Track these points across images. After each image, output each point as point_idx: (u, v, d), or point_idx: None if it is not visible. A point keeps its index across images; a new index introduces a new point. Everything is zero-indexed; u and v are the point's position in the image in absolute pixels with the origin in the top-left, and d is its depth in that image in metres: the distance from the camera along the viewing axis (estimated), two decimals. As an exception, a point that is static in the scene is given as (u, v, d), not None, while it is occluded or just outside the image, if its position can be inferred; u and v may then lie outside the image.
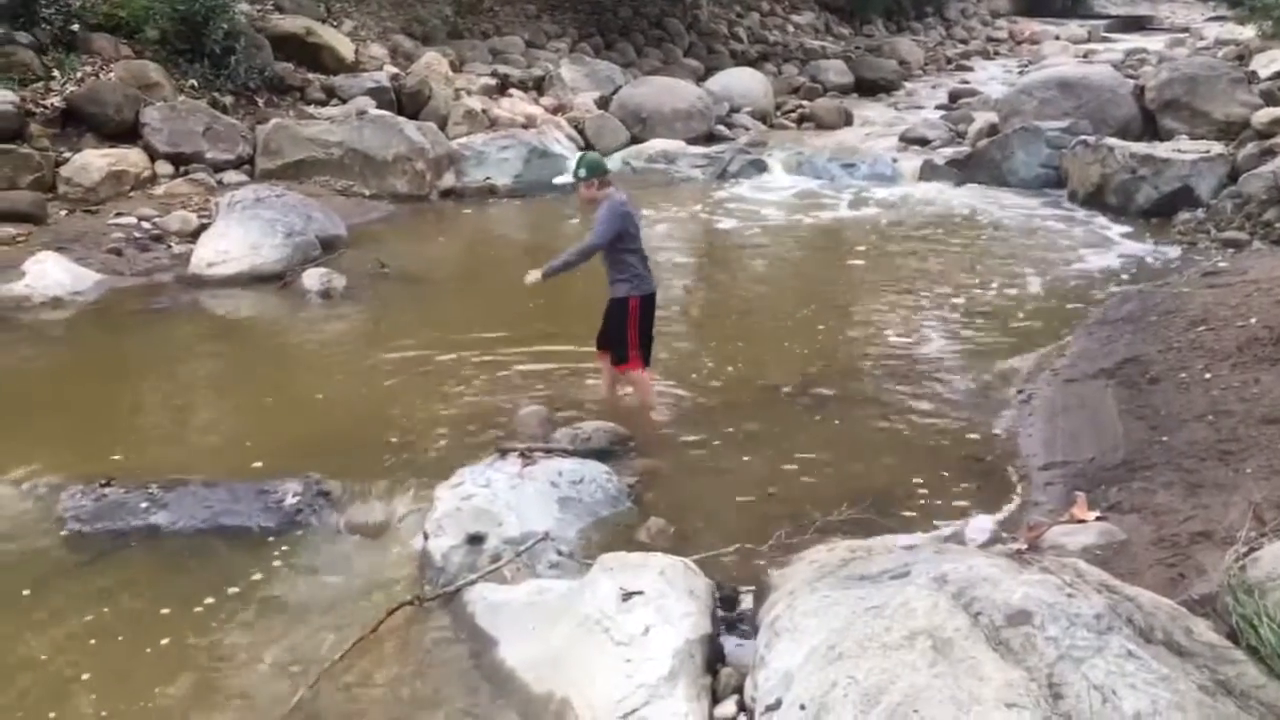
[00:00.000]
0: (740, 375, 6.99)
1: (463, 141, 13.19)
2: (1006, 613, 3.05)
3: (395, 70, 14.46)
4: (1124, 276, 9.24)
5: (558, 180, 6.16)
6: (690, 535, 4.87)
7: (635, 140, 15.09)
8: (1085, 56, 24.11)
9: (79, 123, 10.94)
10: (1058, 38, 30.26)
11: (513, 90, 15.52)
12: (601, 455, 5.50)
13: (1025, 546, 4.17)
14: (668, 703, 3.36)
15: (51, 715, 3.74)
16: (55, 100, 10.94)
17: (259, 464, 5.55)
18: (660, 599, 3.69)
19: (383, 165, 11.95)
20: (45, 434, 6.10)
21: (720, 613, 3.95)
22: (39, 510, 5.07)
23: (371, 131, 12.11)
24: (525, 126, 13.96)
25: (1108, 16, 36.71)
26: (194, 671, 3.98)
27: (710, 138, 15.98)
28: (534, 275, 5.90)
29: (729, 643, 3.85)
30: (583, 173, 5.99)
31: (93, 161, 10.43)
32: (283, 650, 4.11)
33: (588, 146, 14.61)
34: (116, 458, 5.64)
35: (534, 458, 5.18)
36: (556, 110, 15.37)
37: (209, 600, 4.41)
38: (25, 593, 4.46)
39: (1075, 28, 32.25)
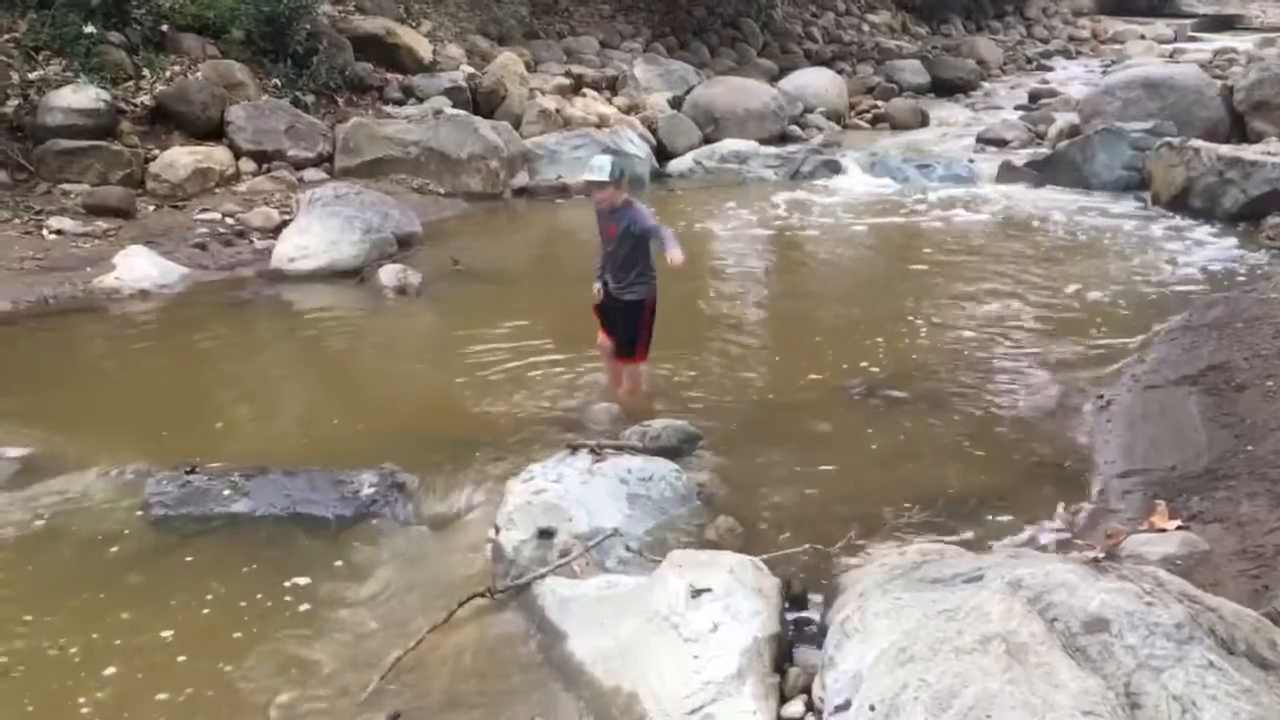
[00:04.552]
0: (811, 375, 6.95)
1: (536, 141, 13.30)
2: (1083, 619, 2.99)
3: (471, 70, 14.63)
4: (1209, 282, 9.00)
5: (587, 177, 6.15)
6: (759, 534, 4.86)
7: (708, 140, 15.06)
8: (1171, 56, 23.54)
9: (167, 120, 11.26)
10: (1143, 37, 29.57)
11: (586, 90, 15.61)
12: (671, 453, 5.51)
13: (1103, 554, 4.09)
14: (735, 700, 3.36)
15: (133, 694, 3.86)
16: (145, 99, 11.28)
17: (336, 455, 5.65)
18: (729, 597, 3.69)
19: (458, 164, 12.10)
20: (133, 421, 6.30)
21: (789, 612, 3.94)
22: (127, 495, 5.22)
23: (447, 131, 12.26)
24: (599, 126, 14.03)
25: (1195, 15, 35.74)
26: (269, 657, 4.07)
27: (783, 138, 15.90)
28: (679, 253, 5.78)
29: (797, 642, 3.84)
30: (616, 174, 5.97)
31: (180, 158, 10.72)
32: (356, 638, 4.19)
33: (660, 146, 14.67)
34: (200, 445, 5.79)
35: (604, 454, 5.21)
36: (630, 110, 15.43)
37: (286, 586, 4.51)
38: (113, 575, 4.61)
39: (1161, 27, 31.49)
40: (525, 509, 4.72)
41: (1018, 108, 18.74)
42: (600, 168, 5.97)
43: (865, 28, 24.92)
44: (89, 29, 11.12)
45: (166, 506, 5.05)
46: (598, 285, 6.24)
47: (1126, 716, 2.70)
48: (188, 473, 5.29)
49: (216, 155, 11.07)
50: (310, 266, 9.08)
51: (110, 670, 3.98)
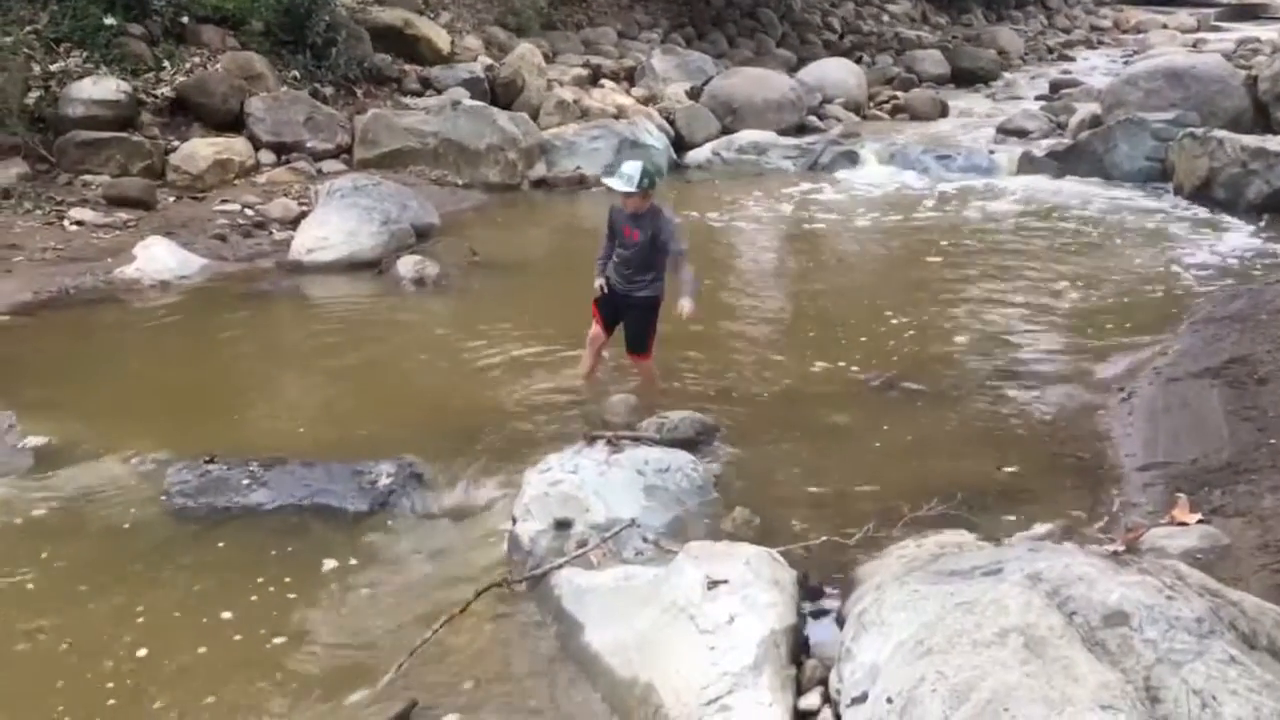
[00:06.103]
0: (828, 367, 6.93)
1: (554, 132, 13.31)
2: (1103, 613, 2.97)
3: (489, 61, 14.64)
4: (1232, 273, 8.92)
5: (609, 181, 6.10)
6: (776, 526, 4.84)
7: (726, 131, 15.03)
8: (1194, 46, 23.31)
9: (187, 112, 11.32)
10: (1165, 26, 29.32)
11: (604, 81, 15.60)
12: (688, 444, 5.50)
13: (1123, 547, 4.06)
14: (752, 692, 3.36)
15: (154, 682, 3.88)
16: (165, 90, 11.33)
17: (353, 445, 5.67)
18: (745, 588, 3.68)
19: (476, 155, 12.11)
20: (153, 411, 6.34)
21: (805, 604, 3.93)
22: (147, 485, 5.25)
23: (465, 122, 12.27)
24: (616, 117, 14.02)
25: (1218, 4, 35.37)
26: (287, 646, 4.09)
27: (802, 129, 15.85)
28: (690, 305, 5.91)
29: (814, 634, 3.83)
30: (646, 183, 5.83)
31: (199, 150, 10.77)
32: (373, 628, 4.20)
33: (678, 137, 14.64)
34: (219, 435, 5.82)
35: (621, 445, 5.20)
36: (648, 101, 15.40)
37: (304, 577, 4.52)
38: (133, 564, 4.63)
39: (1184, 16, 31.21)
40: (542, 500, 4.72)
41: (1038, 98, 18.60)
42: (630, 177, 5.81)
43: (884, 18, 24.80)
44: (109, 21, 11.18)
45: (186, 496, 5.08)
46: (600, 282, 6.20)
47: (1146, 710, 2.68)
48: (207, 462, 5.31)
49: (236, 147, 11.12)
50: (329, 258, 9.11)
51: (121, 658, 4.00)
